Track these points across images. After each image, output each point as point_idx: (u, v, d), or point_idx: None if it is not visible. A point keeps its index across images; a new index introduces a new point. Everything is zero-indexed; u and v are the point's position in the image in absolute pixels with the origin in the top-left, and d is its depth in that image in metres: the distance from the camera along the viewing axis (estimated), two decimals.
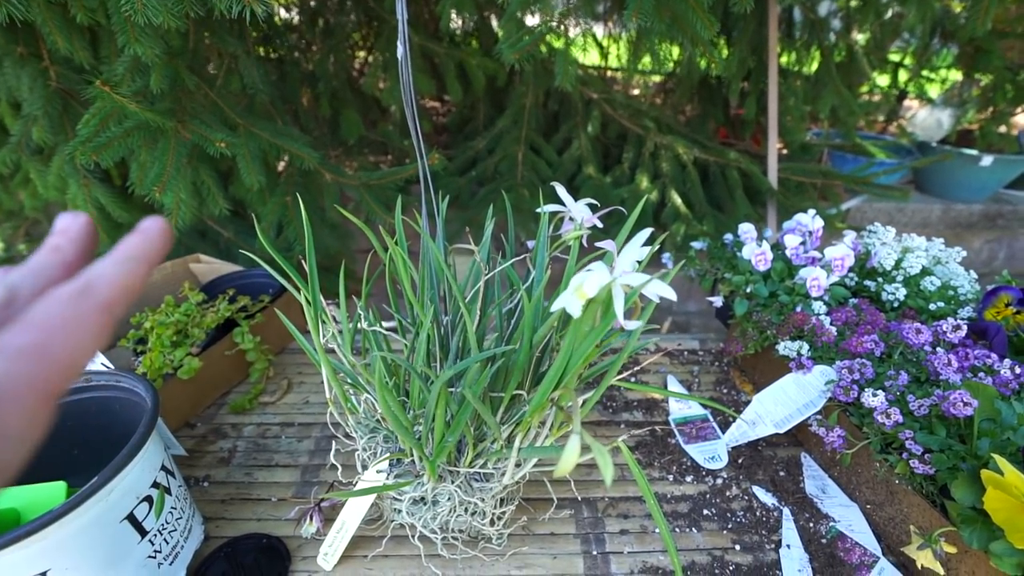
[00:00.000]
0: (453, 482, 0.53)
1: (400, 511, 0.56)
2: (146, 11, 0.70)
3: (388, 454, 0.55)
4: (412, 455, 0.53)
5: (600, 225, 0.53)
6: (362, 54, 1.95)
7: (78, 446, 0.58)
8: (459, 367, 0.43)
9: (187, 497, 0.57)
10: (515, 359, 0.45)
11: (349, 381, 0.57)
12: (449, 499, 0.54)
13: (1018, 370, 0.60)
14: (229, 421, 0.78)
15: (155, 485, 0.50)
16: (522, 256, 0.54)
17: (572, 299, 0.33)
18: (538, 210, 0.55)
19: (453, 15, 1.40)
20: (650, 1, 0.79)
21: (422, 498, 0.55)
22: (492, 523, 0.58)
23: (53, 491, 0.48)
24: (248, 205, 1.09)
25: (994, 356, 0.62)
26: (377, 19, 1.64)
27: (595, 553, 0.61)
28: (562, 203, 0.54)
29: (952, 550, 0.52)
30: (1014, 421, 0.54)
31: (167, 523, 0.52)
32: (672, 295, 0.32)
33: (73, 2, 0.77)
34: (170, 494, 0.53)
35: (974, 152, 1.81)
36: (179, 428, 0.76)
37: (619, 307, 0.33)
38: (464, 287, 0.53)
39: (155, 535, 0.50)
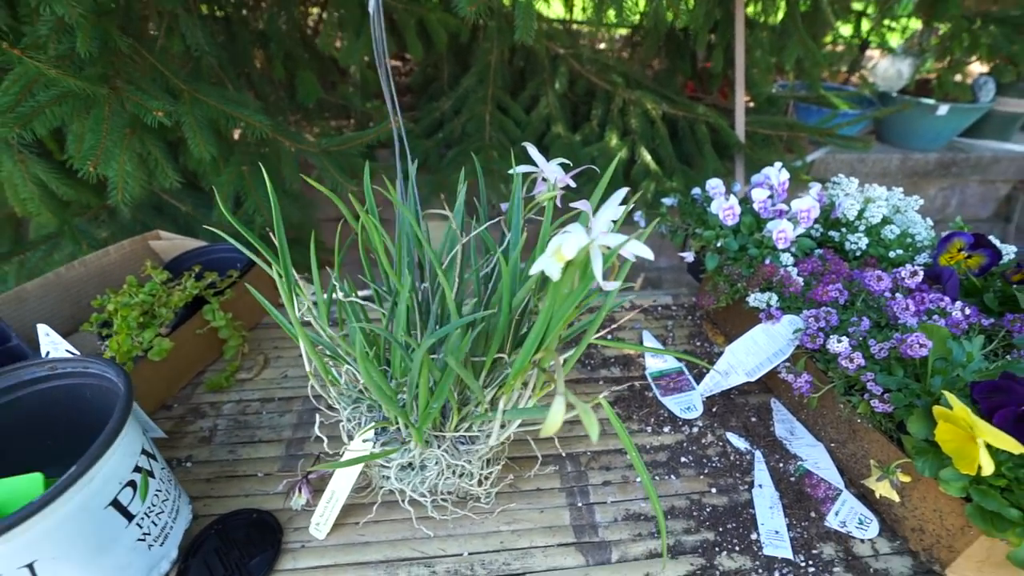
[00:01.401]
0: (440, 447, 0.54)
1: (388, 478, 0.57)
2: None
3: (373, 423, 0.55)
4: (397, 423, 0.54)
5: (573, 185, 0.53)
6: (315, 10, 1.84)
7: (52, 436, 0.57)
8: (439, 334, 0.43)
9: (171, 479, 0.56)
10: (495, 323, 0.45)
11: (328, 353, 0.57)
12: (436, 463, 0.55)
13: (968, 311, 0.63)
14: (207, 400, 0.77)
15: (137, 469, 0.50)
16: (496, 220, 0.53)
17: (551, 262, 0.33)
18: (510, 171, 0.54)
19: None
20: None
21: (410, 464, 0.56)
22: (480, 483, 0.59)
23: (30, 484, 0.47)
24: (201, 177, 1.04)
25: (947, 299, 0.65)
26: None
27: (580, 505, 0.63)
28: (534, 163, 0.53)
29: (907, 479, 0.56)
30: (963, 359, 0.58)
31: (153, 505, 0.51)
32: (649, 254, 0.33)
33: None
34: (153, 477, 0.52)
35: (931, 101, 1.85)
36: (156, 410, 0.74)
37: (597, 268, 0.33)
38: (440, 254, 0.53)
39: (142, 518, 0.50)
